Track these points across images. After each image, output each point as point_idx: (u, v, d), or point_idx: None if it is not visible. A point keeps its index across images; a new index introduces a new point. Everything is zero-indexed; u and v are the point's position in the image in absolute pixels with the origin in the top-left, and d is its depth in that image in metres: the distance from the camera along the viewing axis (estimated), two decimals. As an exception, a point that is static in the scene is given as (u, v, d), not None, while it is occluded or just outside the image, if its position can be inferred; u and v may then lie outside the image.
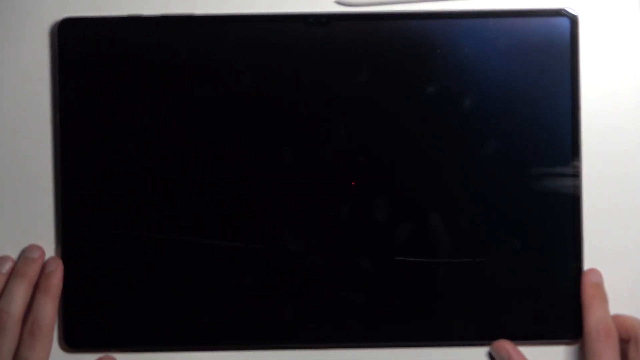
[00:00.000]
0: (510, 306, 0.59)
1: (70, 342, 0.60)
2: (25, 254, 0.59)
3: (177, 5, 0.60)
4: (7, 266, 0.59)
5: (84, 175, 0.59)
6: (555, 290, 0.59)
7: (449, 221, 0.59)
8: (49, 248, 0.60)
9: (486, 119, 0.59)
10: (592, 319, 0.57)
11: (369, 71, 0.58)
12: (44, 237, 0.60)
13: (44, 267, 0.59)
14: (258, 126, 0.59)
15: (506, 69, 0.59)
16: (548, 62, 0.59)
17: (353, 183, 0.58)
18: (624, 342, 0.57)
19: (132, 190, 0.59)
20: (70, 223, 0.59)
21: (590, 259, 0.59)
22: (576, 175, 0.59)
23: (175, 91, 0.59)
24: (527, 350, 0.58)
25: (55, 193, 0.60)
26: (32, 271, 0.58)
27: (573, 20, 0.59)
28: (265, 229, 0.59)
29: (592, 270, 0.59)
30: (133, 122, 0.59)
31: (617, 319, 0.57)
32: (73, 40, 0.59)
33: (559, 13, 0.59)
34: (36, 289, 0.58)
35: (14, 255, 0.60)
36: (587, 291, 0.58)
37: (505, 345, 0.58)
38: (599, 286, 0.59)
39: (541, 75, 0.59)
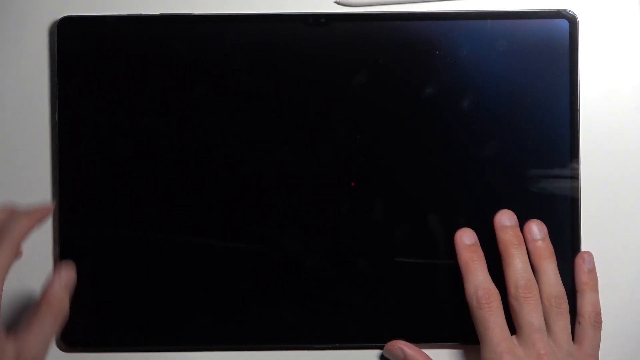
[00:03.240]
0: (509, 307, 0.59)
1: (67, 342, 0.59)
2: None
3: (176, 5, 0.60)
4: None
5: (83, 175, 0.59)
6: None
7: (448, 222, 0.59)
8: (47, 247, 0.60)
9: (485, 121, 0.59)
10: (470, 285, 0.56)
11: (369, 72, 0.58)
12: (42, 236, 0.60)
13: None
14: (257, 126, 0.59)
15: (505, 70, 0.59)
16: (547, 63, 0.59)
17: (353, 184, 0.59)
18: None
19: (131, 190, 0.59)
20: (68, 222, 0.59)
21: (588, 260, 0.60)
22: (575, 176, 0.59)
23: (174, 90, 0.59)
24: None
25: (53, 192, 0.60)
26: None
27: (572, 22, 0.59)
28: (265, 229, 0.59)
29: (464, 231, 0.58)
30: (132, 122, 0.59)
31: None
32: (72, 39, 0.59)
33: (558, 14, 0.59)
34: None
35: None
36: (461, 256, 0.57)
37: (397, 344, 0.58)
38: (474, 247, 0.57)
39: (540, 76, 0.59)
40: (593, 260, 0.59)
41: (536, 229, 0.58)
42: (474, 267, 0.57)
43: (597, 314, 0.57)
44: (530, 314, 0.55)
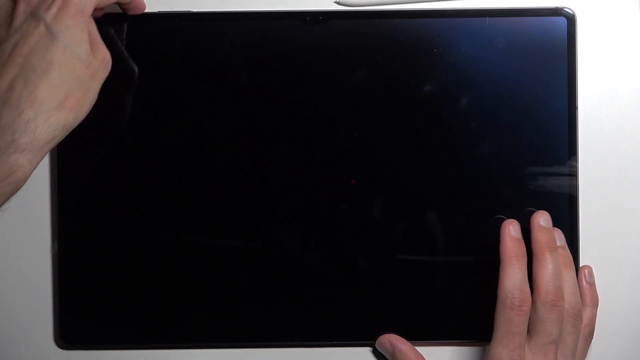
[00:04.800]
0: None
1: (66, 339, 0.59)
2: None
3: (175, 3, 0.60)
4: None
5: (81, 174, 0.59)
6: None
7: (446, 220, 0.59)
8: (46, 246, 0.60)
9: (484, 118, 0.59)
10: (509, 282, 0.55)
11: (367, 69, 0.58)
12: (40, 235, 0.60)
13: None
14: (256, 124, 0.59)
15: (504, 68, 0.59)
16: (545, 61, 0.59)
17: (353, 181, 0.59)
18: None
19: (129, 189, 0.59)
20: (66, 221, 0.59)
21: (587, 259, 0.60)
22: (573, 174, 0.59)
23: (173, 88, 0.59)
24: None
25: (52, 191, 0.60)
26: None
27: (570, 20, 0.59)
28: (264, 227, 0.59)
29: (512, 222, 0.57)
30: (131, 120, 0.59)
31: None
32: (70, 37, 0.59)
33: (556, 12, 0.59)
34: None
35: (10, 256, 0.60)
36: (507, 247, 0.56)
37: (386, 337, 0.58)
38: (520, 242, 0.57)
39: (538, 74, 0.59)
40: (593, 275, 0.59)
41: (556, 236, 0.57)
42: (516, 264, 0.55)
43: (592, 328, 0.58)
44: (552, 325, 0.54)
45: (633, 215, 0.60)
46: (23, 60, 0.49)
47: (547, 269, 0.55)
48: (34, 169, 0.49)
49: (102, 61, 0.52)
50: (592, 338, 0.58)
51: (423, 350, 0.59)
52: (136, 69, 0.58)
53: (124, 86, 0.59)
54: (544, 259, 0.56)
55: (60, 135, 0.50)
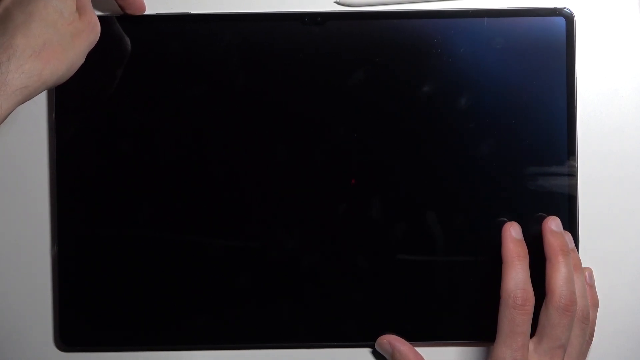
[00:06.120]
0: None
1: (66, 341, 0.59)
2: None
3: (173, 4, 0.60)
4: None
5: (80, 175, 0.59)
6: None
7: (446, 220, 0.59)
8: (45, 247, 0.60)
9: (483, 118, 0.59)
10: (512, 282, 0.55)
11: (366, 70, 0.59)
12: (40, 236, 0.60)
13: None
14: (255, 125, 0.59)
15: (502, 68, 0.59)
16: (544, 61, 0.59)
17: (353, 181, 0.58)
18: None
19: (128, 190, 0.59)
20: (66, 222, 0.59)
21: (587, 259, 0.60)
22: (572, 174, 0.59)
23: (171, 89, 0.59)
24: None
25: (51, 192, 0.60)
26: None
27: (569, 19, 0.59)
28: (263, 228, 0.59)
29: (513, 224, 0.57)
30: (129, 121, 0.59)
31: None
32: (70, 39, 0.59)
33: (555, 12, 0.59)
34: None
35: (10, 256, 0.60)
36: (508, 248, 0.56)
37: (386, 338, 0.58)
38: (521, 243, 0.56)
39: (537, 74, 0.59)
40: (593, 277, 0.59)
41: (567, 239, 0.57)
42: (519, 264, 0.55)
43: (592, 330, 0.58)
44: (563, 330, 0.54)
45: (633, 215, 0.60)
46: (3, 12, 0.50)
47: (561, 272, 0.55)
48: (5, 116, 0.49)
49: (87, 24, 0.53)
50: (592, 340, 0.58)
51: (423, 350, 0.59)
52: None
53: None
54: (558, 262, 0.55)
55: (35, 86, 0.49)
